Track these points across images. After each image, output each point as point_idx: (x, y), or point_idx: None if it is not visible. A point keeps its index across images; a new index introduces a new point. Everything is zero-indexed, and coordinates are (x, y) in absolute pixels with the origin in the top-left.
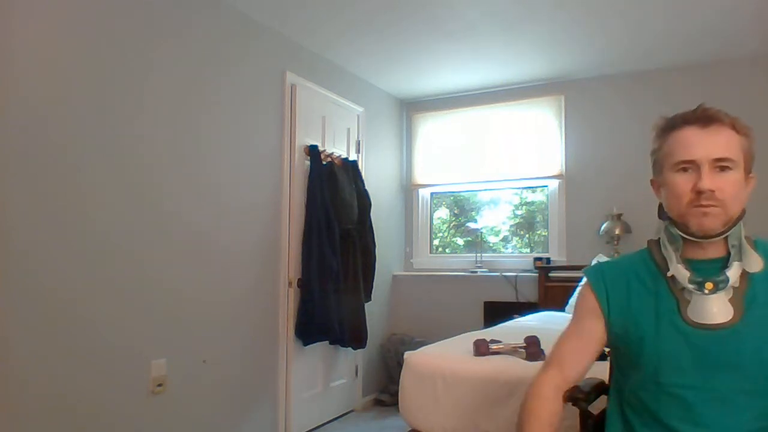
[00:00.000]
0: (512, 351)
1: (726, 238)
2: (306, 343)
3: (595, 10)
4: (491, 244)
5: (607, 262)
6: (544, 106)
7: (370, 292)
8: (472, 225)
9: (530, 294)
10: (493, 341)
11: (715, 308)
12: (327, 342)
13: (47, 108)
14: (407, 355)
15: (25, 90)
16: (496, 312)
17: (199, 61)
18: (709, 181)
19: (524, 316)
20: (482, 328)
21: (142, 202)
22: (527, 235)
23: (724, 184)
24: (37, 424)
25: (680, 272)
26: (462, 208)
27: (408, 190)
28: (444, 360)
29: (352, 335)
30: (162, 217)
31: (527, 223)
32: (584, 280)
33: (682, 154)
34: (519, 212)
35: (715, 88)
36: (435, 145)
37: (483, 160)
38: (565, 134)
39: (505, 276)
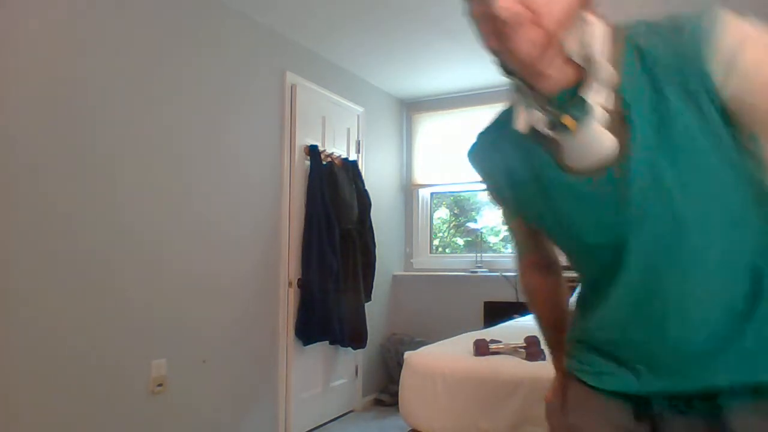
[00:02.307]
0: (512, 351)
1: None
2: (306, 343)
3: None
4: (491, 244)
5: (482, 132)
6: None
7: (370, 292)
8: (472, 225)
9: None
10: (493, 341)
11: (591, 143)
12: (327, 342)
13: (46, 109)
14: (407, 355)
15: (26, 90)
16: (496, 312)
17: (199, 61)
18: None
19: (524, 316)
20: (482, 328)
21: (142, 202)
22: None
23: None
24: (37, 423)
25: (533, 119)
26: (462, 208)
27: (408, 190)
28: (444, 360)
29: (352, 335)
30: (162, 217)
31: None
32: None
33: None
34: None
35: None
36: (435, 145)
37: None
38: None
39: (505, 276)
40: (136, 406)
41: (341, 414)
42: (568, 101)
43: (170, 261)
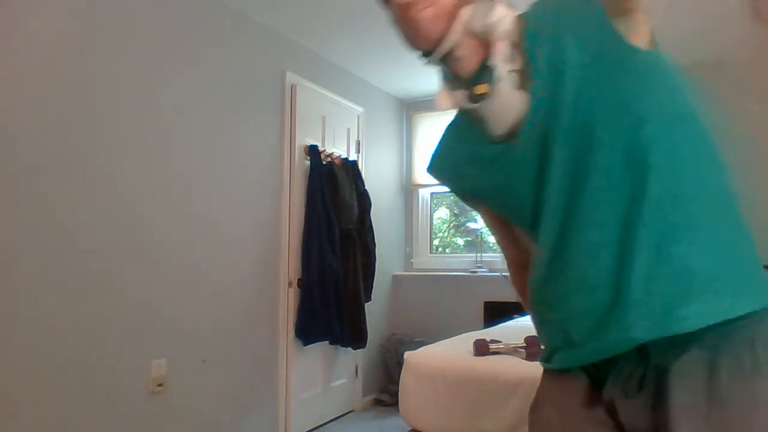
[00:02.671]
0: (512, 351)
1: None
2: (306, 343)
3: None
4: (491, 244)
5: (436, 147)
6: None
7: (370, 292)
8: (472, 225)
9: None
10: (493, 341)
11: (507, 105)
12: (327, 342)
13: (46, 109)
14: (407, 355)
15: (25, 90)
16: (496, 312)
17: (199, 61)
18: None
19: (524, 316)
20: (482, 328)
21: (142, 202)
22: None
23: None
24: (37, 423)
25: (457, 99)
26: (462, 208)
27: (408, 190)
28: (444, 360)
29: (352, 335)
30: (161, 217)
31: None
32: None
33: None
34: None
35: (716, 87)
36: (435, 145)
37: None
38: None
39: (505, 276)
40: (136, 406)
41: (341, 414)
42: (483, 74)
43: (170, 261)
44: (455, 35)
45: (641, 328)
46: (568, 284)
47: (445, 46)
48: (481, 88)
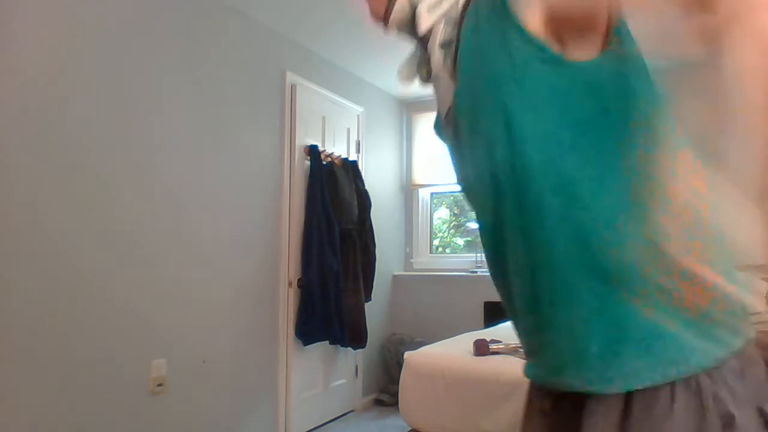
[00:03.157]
0: (512, 351)
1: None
2: (306, 343)
3: None
4: None
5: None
6: None
7: (370, 292)
8: (472, 225)
9: None
10: (493, 341)
11: (443, 88)
12: (327, 342)
13: (45, 112)
14: (407, 355)
15: (17, 93)
16: (496, 312)
17: (200, 61)
18: None
19: None
20: (482, 328)
21: (142, 202)
22: None
23: None
24: (37, 423)
25: (410, 72)
26: (462, 208)
27: (408, 190)
28: (444, 360)
29: (352, 335)
30: (161, 217)
31: None
32: None
33: None
34: None
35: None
36: (435, 145)
37: None
38: None
39: None
40: (136, 406)
41: (341, 414)
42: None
43: (170, 261)
44: (397, 13)
45: (576, 382)
46: (508, 305)
47: (393, 23)
48: (424, 72)
